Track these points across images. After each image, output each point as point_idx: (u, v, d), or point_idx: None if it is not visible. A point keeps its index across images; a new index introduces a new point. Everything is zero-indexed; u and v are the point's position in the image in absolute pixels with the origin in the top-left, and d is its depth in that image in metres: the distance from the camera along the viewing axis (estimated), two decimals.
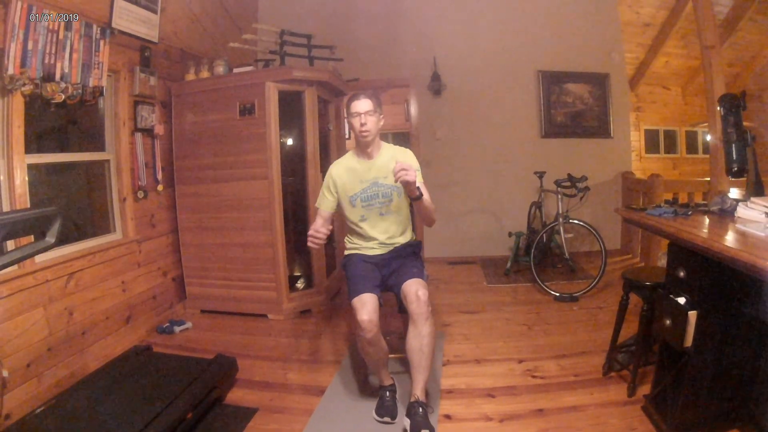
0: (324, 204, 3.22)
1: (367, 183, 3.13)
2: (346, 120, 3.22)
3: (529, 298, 5.22)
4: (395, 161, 2.91)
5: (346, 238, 3.41)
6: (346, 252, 3.37)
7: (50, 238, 1.83)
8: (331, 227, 3.09)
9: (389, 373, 3.16)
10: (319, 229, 2.89)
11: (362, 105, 3.04)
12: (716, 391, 2.53)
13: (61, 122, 4.10)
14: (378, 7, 6.99)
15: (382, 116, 3.17)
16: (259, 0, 7.44)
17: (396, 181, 2.73)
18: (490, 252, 7.11)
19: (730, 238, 2.29)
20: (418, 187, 2.85)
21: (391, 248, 3.23)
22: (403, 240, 3.27)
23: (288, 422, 3.02)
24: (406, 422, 2.76)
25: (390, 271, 3.17)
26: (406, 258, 3.21)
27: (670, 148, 9.14)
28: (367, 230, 3.20)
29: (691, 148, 9.12)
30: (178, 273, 5.21)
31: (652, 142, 9.03)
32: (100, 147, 4.39)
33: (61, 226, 1.85)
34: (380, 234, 3.20)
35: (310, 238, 2.89)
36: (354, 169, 3.18)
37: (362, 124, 3.01)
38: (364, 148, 3.15)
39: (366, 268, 3.13)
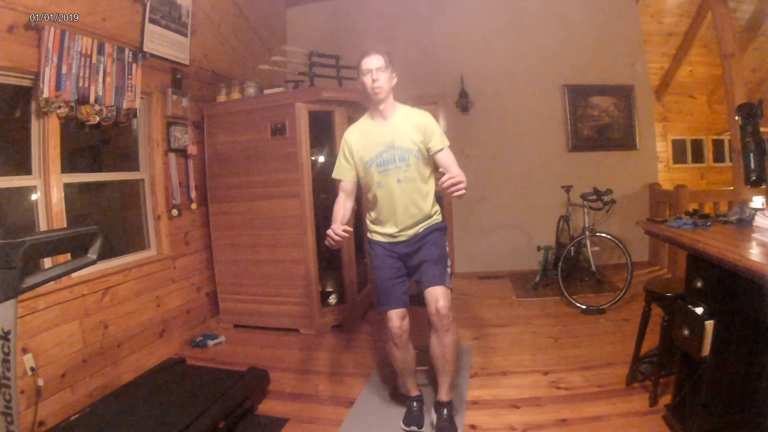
0: (342, 173, 3.07)
1: (383, 146, 2.95)
2: (358, 81, 3.01)
3: (557, 312, 5.24)
4: (412, 122, 2.96)
5: (366, 215, 3.23)
6: (369, 235, 3.19)
7: (92, 255, 1.97)
8: (350, 230, 2.78)
9: (417, 384, 3.22)
10: (337, 232, 2.72)
11: (373, 61, 2.90)
12: (735, 399, 2.55)
13: (96, 143, 4.29)
14: (405, 26, 7.12)
15: (394, 74, 3.02)
16: (288, 22, 7.66)
17: (443, 192, 2.64)
18: (519, 266, 7.12)
19: (745, 248, 2.32)
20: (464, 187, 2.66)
21: (411, 234, 3.03)
22: (426, 222, 3.05)
23: None
24: (433, 417, 2.87)
25: (413, 264, 3.02)
26: (430, 251, 2.99)
27: (698, 157, 9.03)
28: (386, 204, 3.00)
29: (719, 156, 8.97)
30: (212, 288, 5.35)
31: (679, 152, 8.94)
32: (135, 167, 4.57)
33: (101, 244, 1.98)
34: (399, 208, 2.98)
35: (327, 239, 2.77)
36: (369, 131, 3.03)
37: (374, 80, 2.87)
38: (377, 107, 2.99)
39: (392, 271, 3.02)
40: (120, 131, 4.38)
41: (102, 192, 4.45)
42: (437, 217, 3.12)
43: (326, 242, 2.79)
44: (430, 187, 3.07)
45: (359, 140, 3.03)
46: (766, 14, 6.60)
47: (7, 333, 1.68)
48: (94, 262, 1.98)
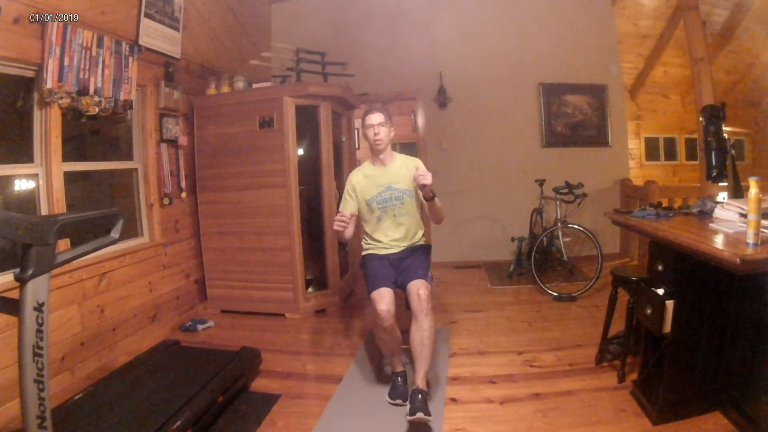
0: (346, 207, 3.57)
1: (382, 187, 3.52)
2: (361, 132, 3.68)
3: (530, 298, 5.48)
4: (406, 168, 3.42)
5: (362, 240, 3.75)
6: (363, 252, 3.70)
7: (114, 235, 2.15)
8: (352, 215, 3.53)
9: (401, 361, 3.45)
10: (343, 213, 3.40)
11: (375, 118, 3.49)
12: (695, 373, 2.80)
13: (88, 133, 4.40)
14: (386, 23, 7.30)
15: (392, 127, 3.60)
16: (273, 18, 7.81)
17: (416, 181, 3.15)
18: (494, 256, 7.35)
19: (700, 235, 2.55)
20: (431, 190, 3.20)
21: (402, 248, 3.56)
22: (413, 241, 3.62)
23: (309, 406, 3.31)
24: (407, 407, 3.00)
25: (401, 269, 3.43)
26: (415, 258, 3.48)
27: (671, 155, 9.28)
28: (382, 230, 3.57)
29: (691, 155, 9.16)
30: (200, 275, 5.51)
31: (652, 150, 9.19)
32: (129, 156, 4.71)
33: (123, 225, 2.17)
34: (393, 234, 3.55)
35: (336, 221, 3.29)
36: (370, 175, 3.58)
37: (376, 134, 3.47)
38: (377, 156, 3.58)
39: (382, 265, 3.45)
40: (111, 122, 4.49)
41: (96, 181, 4.57)
42: (422, 241, 3.73)
43: (334, 227, 3.33)
44: (418, 218, 3.69)
45: (362, 182, 3.60)
46: (741, 18, 6.84)
47: (42, 305, 1.84)
48: (116, 241, 2.16)
